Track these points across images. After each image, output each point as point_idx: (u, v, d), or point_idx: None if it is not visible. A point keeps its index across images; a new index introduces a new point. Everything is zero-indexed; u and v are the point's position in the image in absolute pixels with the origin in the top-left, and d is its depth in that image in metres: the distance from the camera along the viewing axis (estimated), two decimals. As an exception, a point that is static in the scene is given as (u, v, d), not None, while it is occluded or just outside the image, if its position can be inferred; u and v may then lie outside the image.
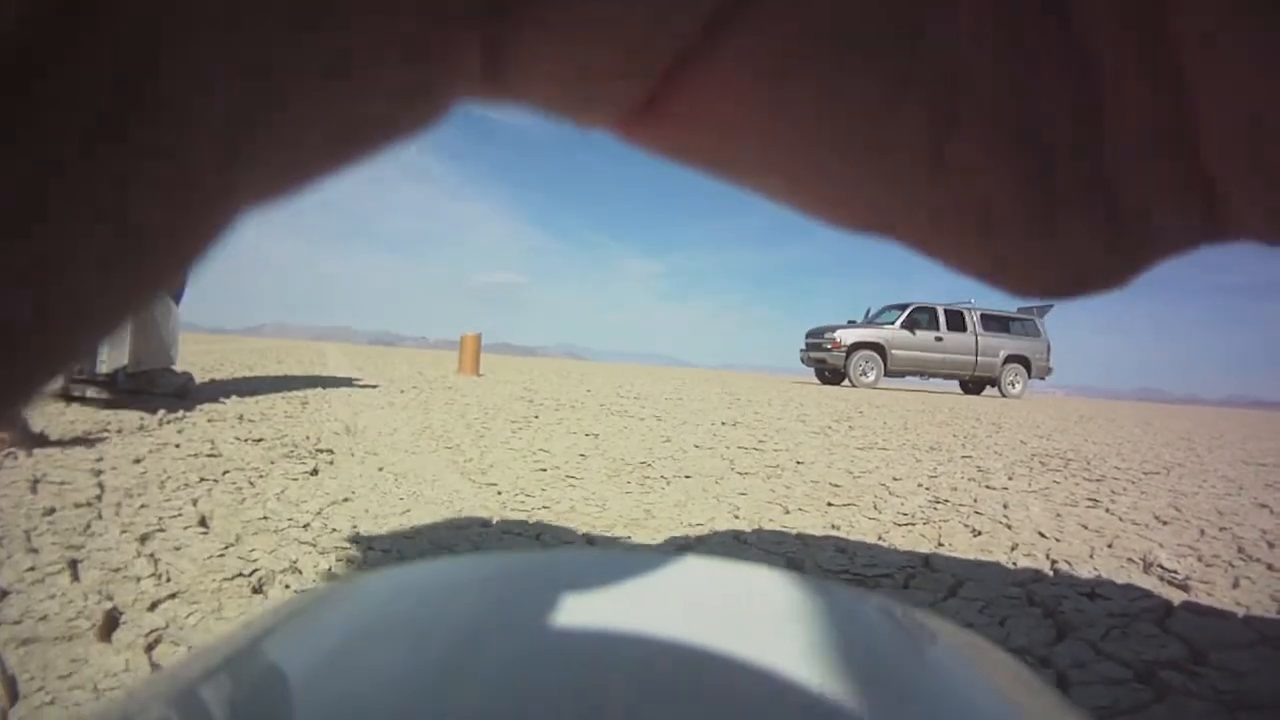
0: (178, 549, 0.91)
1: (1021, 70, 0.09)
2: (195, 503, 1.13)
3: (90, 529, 0.96)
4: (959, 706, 0.15)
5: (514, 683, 0.14)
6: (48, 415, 1.86)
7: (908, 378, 10.69)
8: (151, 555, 0.87)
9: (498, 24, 0.07)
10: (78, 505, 1.06)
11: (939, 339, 10.27)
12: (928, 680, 0.16)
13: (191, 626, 0.70)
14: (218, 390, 2.80)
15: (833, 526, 1.28)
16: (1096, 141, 0.09)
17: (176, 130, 0.06)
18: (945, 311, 10.42)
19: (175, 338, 2.51)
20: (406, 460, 1.67)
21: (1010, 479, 1.96)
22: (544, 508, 1.28)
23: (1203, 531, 1.42)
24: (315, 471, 1.45)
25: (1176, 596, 0.98)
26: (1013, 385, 10.47)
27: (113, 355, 2.11)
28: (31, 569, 0.80)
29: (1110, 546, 1.25)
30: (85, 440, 1.57)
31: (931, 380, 10.92)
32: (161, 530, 0.98)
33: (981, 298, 10.52)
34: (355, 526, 1.08)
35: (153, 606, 0.74)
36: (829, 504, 1.47)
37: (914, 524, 1.34)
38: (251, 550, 0.92)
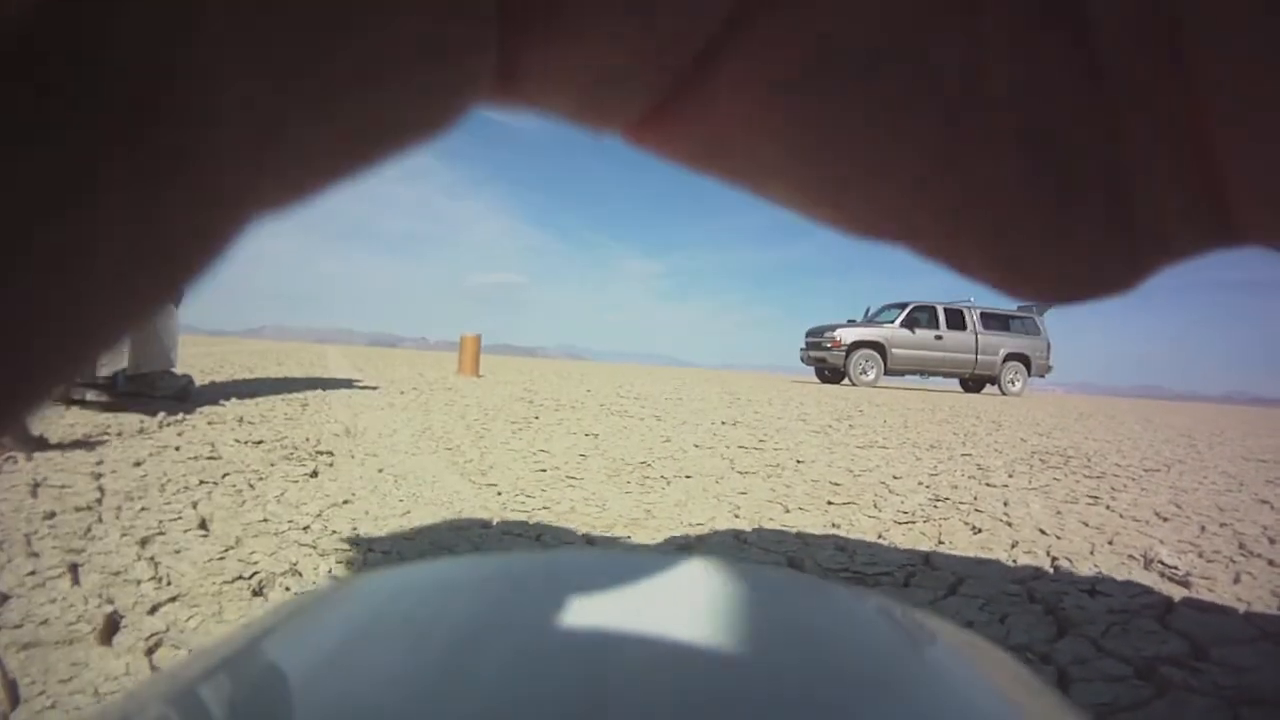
0: (178, 552, 0.91)
1: (1033, 78, 0.09)
2: (195, 505, 1.13)
3: (90, 532, 0.96)
4: (957, 706, 0.15)
5: (513, 683, 0.14)
6: (47, 419, 1.86)
7: (908, 376, 10.69)
8: (152, 558, 0.87)
9: (514, 31, 0.07)
10: (78, 509, 1.06)
11: (939, 337, 10.27)
12: (926, 680, 0.16)
13: (192, 629, 0.70)
14: (218, 392, 2.80)
15: (833, 525, 1.28)
16: (1109, 146, 0.09)
17: (195, 131, 0.06)
18: (945, 310, 10.42)
19: (175, 340, 2.51)
20: (406, 462, 1.67)
21: (1010, 476, 1.96)
22: (544, 508, 1.28)
23: (1203, 528, 1.42)
24: (315, 473, 1.45)
25: (1177, 593, 0.98)
26: (1013, 383, 10.47)
27: (112, 358, 2.11)
28: (32, 573, 0.80)
29: (1111, 543, 1.25)
30: (85, 443, 1.57)
31: (931, 379, 10.92)
32: (162, 533, 0.98)
33: (981, 296, 10.53)
34: (355, 528, 1.08)
35: (153, 610, 0.74)
36: (829, 503, 1.47)
37: (914, 522, 1.34)
38: (252, 553, 0.92)
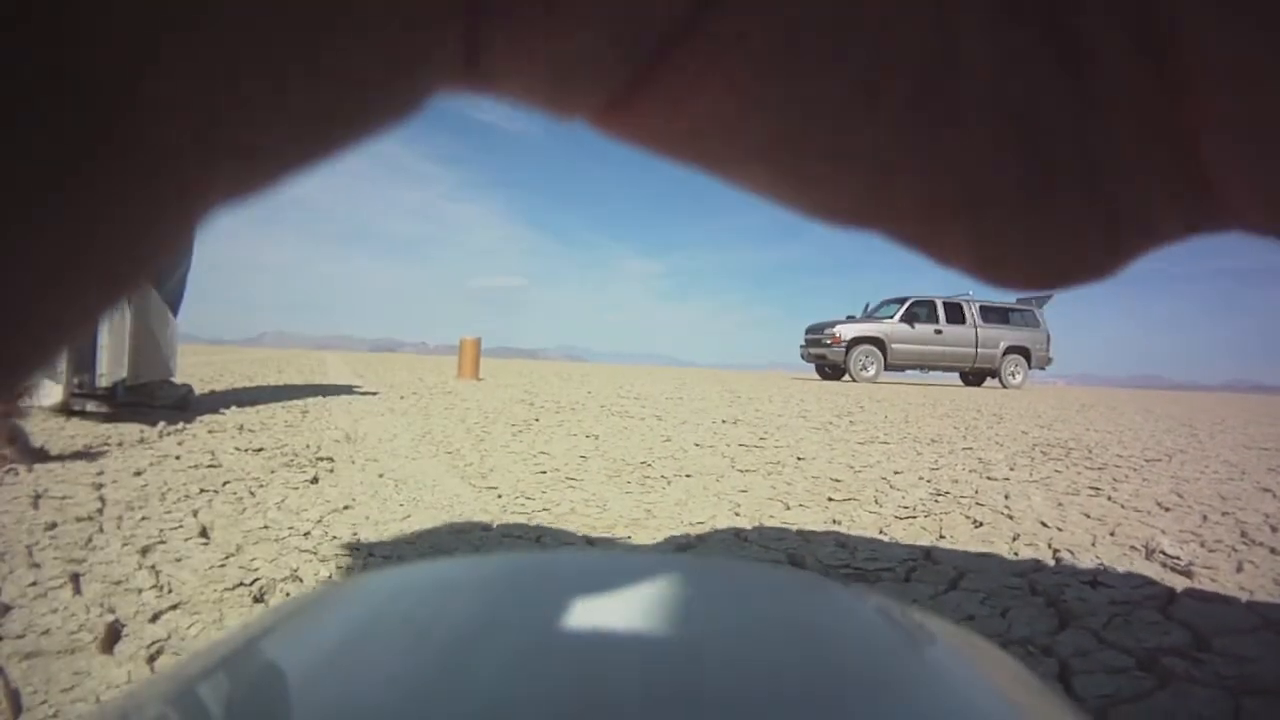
0: (179, 560, 0.91)
1: (1007, 63, 0.09)
2: (196, 514, 1.13)
3: (91, 542, 0.96)
4: (955, 705, 0.15)
5: (512, 683, 0.14)
6: (48, 430, 1.86)
7: (908, 371, 10.69)
8: (153, 567, 0.87)
9: (479, 16, 0.07)
10: (79, 519, 1.06)
11: (938, 332, 10.27)
12: (923, 679, 0.16)
13: (193, 637, 0.71)
14: (218, 401, 2.80)
15: (834, 521, 1.28)
16: (1086, 131, 0.09)
17: (147, 119, 0.06)
18: (944, 304, 10.42)
19: (174, 349, 2.51)
20: (407, 466, 1.67)
21: (1012, 469, 1.96)
22: (544, 510, 1.28)
23: (1205, 517, 1.42)
24: (315, 480, 1.45)
25: (1179, 583, 0.98)
26: (1013, 376, 10.47)
27: (112, 368, 2.11)
28: (34, 583, 0.80)
29: (1112, 534, 1.25)
30: (86, 454, 1.57)
31: (932, 373, 10.92)
32: (162, 542, 0.98)
33: (980, 290, 10.52)
34: (356, 534, 1.08)
35: (154, 618, 0.74)
36: (830, 499, 1.47)
37: (915, 517, 1.34)
38: (252, 560, 0.92)
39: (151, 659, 0.66)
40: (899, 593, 0.90)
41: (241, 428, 2.13)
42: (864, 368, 9.89)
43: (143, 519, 1.08)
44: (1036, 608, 0.85)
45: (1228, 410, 6.34)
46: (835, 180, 0.09)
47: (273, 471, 1.50)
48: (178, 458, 1.58)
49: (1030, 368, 10.61)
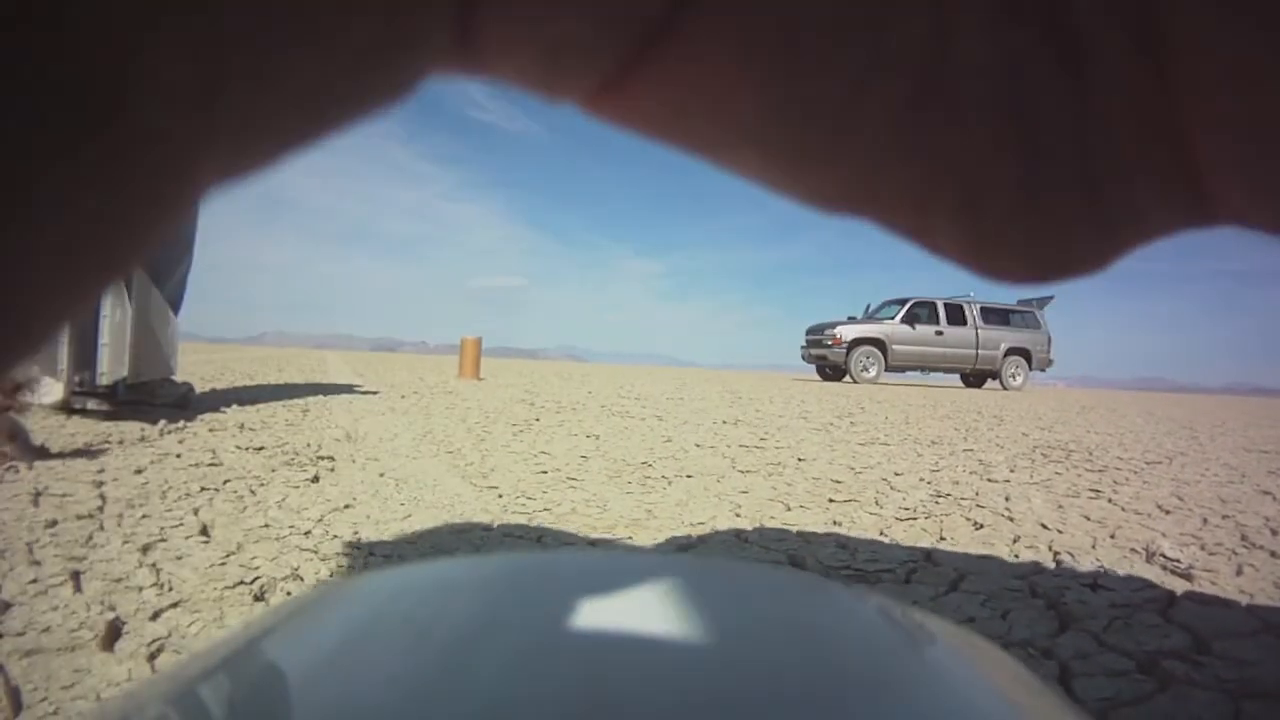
0: (179, 558, 0.91)
1: (1004, 57, 0.09)
2: (196, 512, 1.13)
3: (92, 540, 0.96)
4: (955, 705, 0.15)
5: (512, 683, 0.14)
6: (48, 428, 1.86)
7: (909, 373, 10.69)
8: (153, 565, 0.88)
9: None
10: (79, 517, 1.06)
11: (939, 333, 10.26)
12: (924, 679, 0.16)
13: (194, 635, 0.71)
14: (218, 399, 2.81)
15: (834, 523, 1.28)
16: (1080, 125, 0.09)
17: (145, 102, 0.06)
18: (945, 305, 10.41)
19: (175, 348, 2.51)
20: (407, 465, 1.67)
21: (1012, 471, 1.96)
22: (545, 510, 1.28)
23: (1205, 520, 1.42)
24: (316, 479, 1.45)
25: (1179, 586, 0.98)
26: (1014, 378, 10.47)
27: (113, 367, 2.11)
28: (34, 581, 0.80)
29: (1113, 537, 1.25)
30: (86, 452, 1.57)
31: (932, 375, 10.92)
32: (163, 540, 0.98)
33: (981, 291, 10.52)
34: (356, 533, 1.08)
35: (155, 616, 0.74)
36: (830, 500, 1.47)
37: (915, 519, 1.34)
38: (253, 558, 0.93)
39: (152, 657, 0.66)
40: (899, 594, 0.90)
41: (242, 426, 2.13)
42: (865, 369, 9.88)
43: (143, 517, 1.08)
44: (1037, 610, 0.85)
45: (1228, 413, 6.33)
46: (828, 167, 0.09)
47: (273, 470, 1.50)
48: (178, 456, 1.59)
49: (1031, 369, 10.61)
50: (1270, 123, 0.08)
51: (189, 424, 2.09)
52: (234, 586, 0.82)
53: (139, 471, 1.40)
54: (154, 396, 2.35)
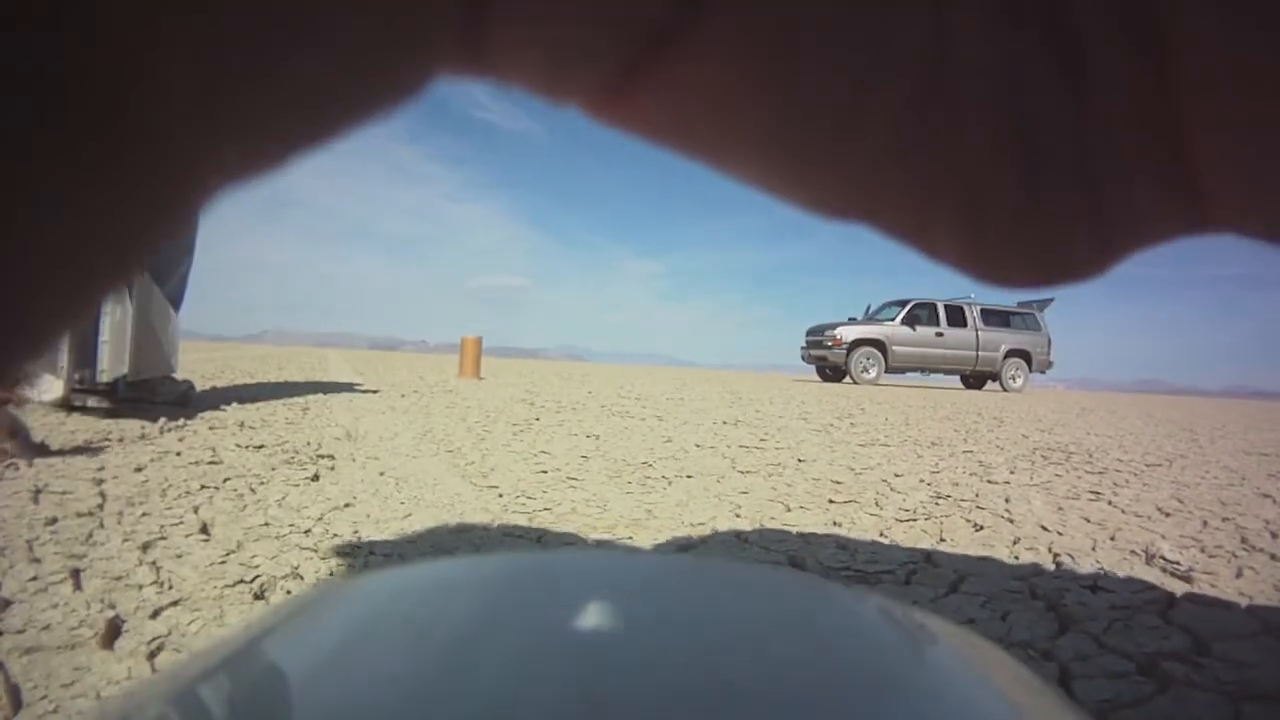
0: (179, 556, 0.91)
1: (1003, 62, 0.09)
2: (197, 510, 1.13)
3: (92, 538, 0.96)
4: (956, 705, 0.15)
5: (512, 683, 0.14)
6: (49, 425, 1.87)
7: (909, 374, 10.69)
8: (153, 563, 0.88)
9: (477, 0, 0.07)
10: (79, 514, 1.06)
11: (940, 334, 10.26)
12: (925, 679, 0.16)
13: (194, 634, 0.71)
14: (219, 397, 2.81)
15: (834, 524, 1.28)
16: (1079, 131, 0.09)
17: (150, 106, 0.06)
18: (945, 307, 10.42)
19: (175, 345, 2.51)
20: (407, 465, 1.67)
21: (1012, 473, 1.96)
22: (545, 510, 1.28)
23: (1205, 522, 1.42)
24: (316, 477, 1.45)
25: (1179, 588, 0.98)
26: (1014, 379, 10.47)
27: (113, 364, 2.11)
28: (34, 578, 0.80)
29: (1112, 539, 1.25)
30: (86, 449, 1.57)
31: (933, 376, 10.92)
32: (163, 538, 0.98)
33: (982, 293, 10.52)
34: (356, 532, 1.08)
35: (155, 614, 0.74)
36: (830, 501, 1.47)
37: (915, 520, 1.34)
38: (253, 557, 0.93)
39: (152, 655, 0.66)
40: (899, 595, 0.90)
41: (242, 424, 2.13)
42: (865, 370, 9.88)
43: (143, 515, 1.09)
44: (1037, 612, 0.85)
45: (1228, 415, 6.33)
46: (829, 169, 0.09)
47: (273, 469, 1.50)
48: (178, 454, 1.59)
49: (1031, 371, 10.61)
50: (1270, 123, 0.08)
51: (189, 422, 2.09)
52: (234, 585, 0.82)
53: (139, 469, 1.40)
54: (154, 394, 2.35)
